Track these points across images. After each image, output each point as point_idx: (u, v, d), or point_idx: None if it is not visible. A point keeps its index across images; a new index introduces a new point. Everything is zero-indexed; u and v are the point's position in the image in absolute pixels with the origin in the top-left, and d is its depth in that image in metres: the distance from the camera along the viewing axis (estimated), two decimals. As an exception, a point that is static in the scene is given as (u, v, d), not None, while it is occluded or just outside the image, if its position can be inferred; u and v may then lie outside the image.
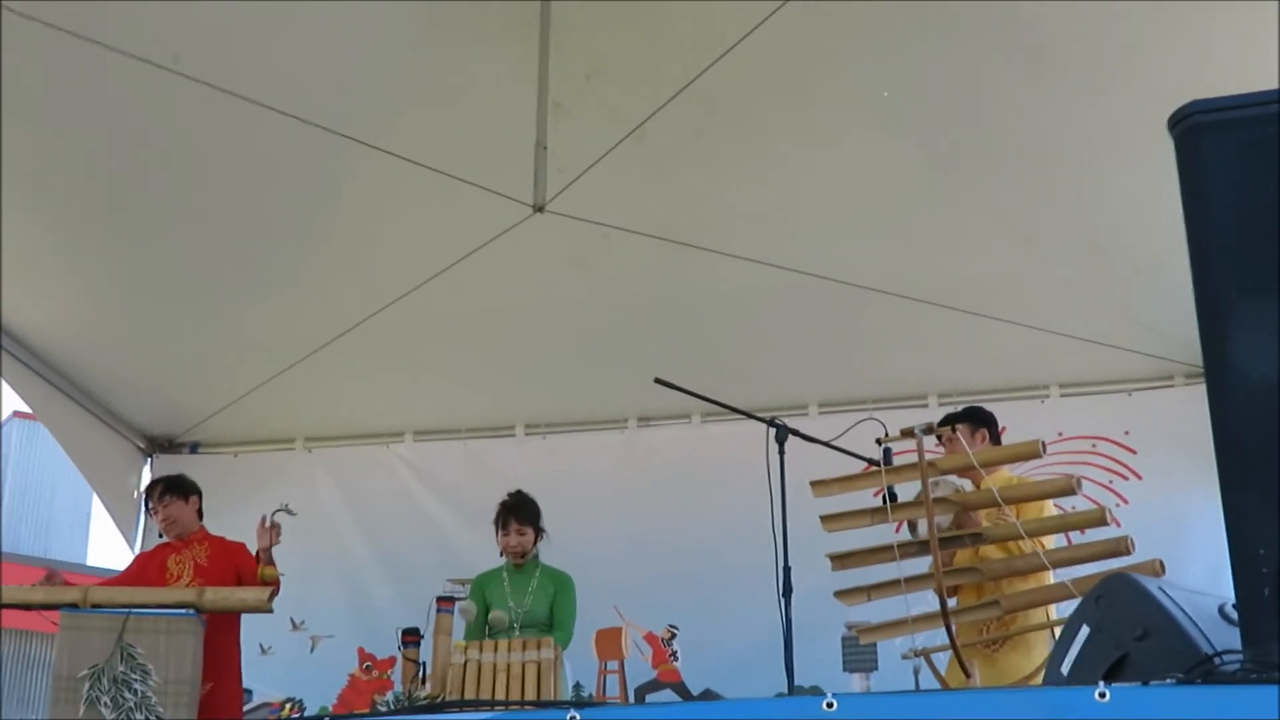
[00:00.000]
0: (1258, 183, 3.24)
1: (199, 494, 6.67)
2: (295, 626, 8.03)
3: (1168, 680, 2.94)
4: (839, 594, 5.22)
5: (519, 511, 6.50)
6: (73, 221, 6.64)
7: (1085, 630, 3.58)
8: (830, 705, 3.03)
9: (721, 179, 6.54)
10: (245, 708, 6.92)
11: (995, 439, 6.01)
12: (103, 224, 6.67)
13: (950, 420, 5.97)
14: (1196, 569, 6.33)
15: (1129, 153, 5.99)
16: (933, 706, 3.02)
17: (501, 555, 6.54)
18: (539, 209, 6.35)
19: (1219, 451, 3.13)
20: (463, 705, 4.69)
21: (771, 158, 6.41)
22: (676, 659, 6.97)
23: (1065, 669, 3.59)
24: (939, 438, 5.46)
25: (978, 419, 6.03)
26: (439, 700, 5.21)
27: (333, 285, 7.16)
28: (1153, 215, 5.99)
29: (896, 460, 5.22)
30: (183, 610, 5.54)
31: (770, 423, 5.32)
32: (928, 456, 4.97)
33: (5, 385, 7.39)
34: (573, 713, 3.19)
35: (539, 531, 6.54)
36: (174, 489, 6.57)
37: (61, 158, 6.21)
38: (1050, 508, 5.61)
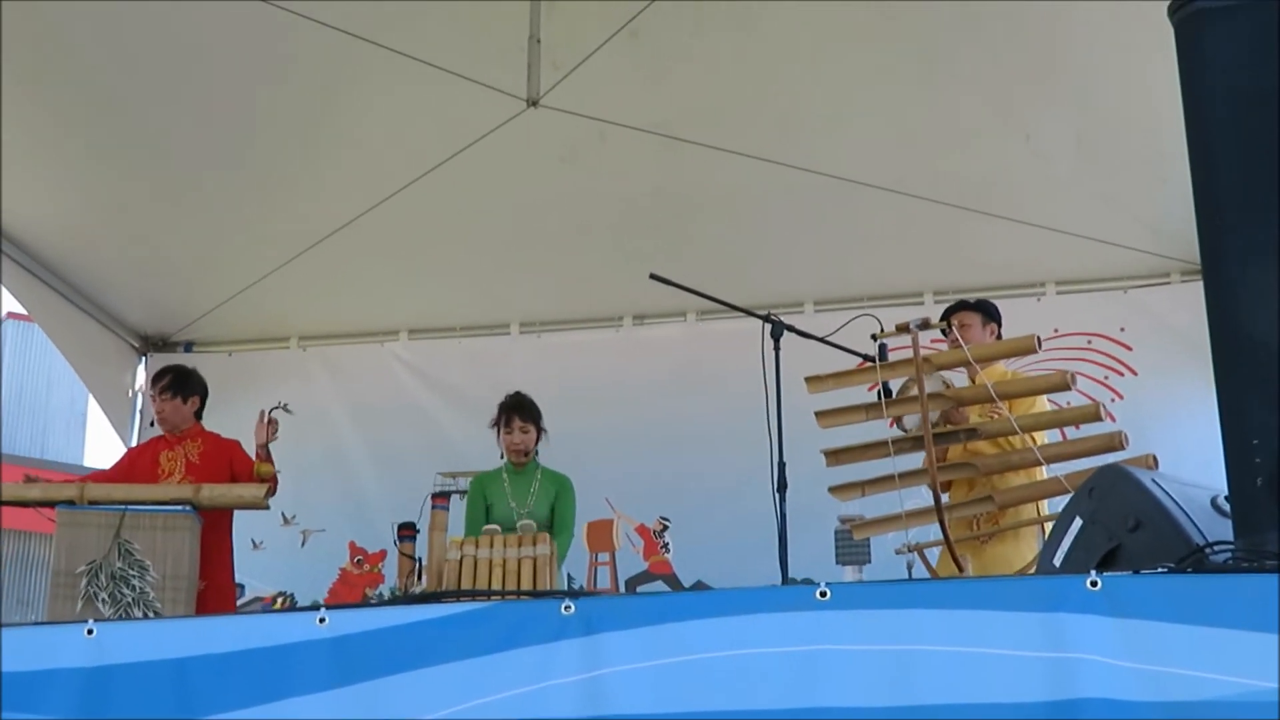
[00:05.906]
0: (1260, 72, 3.20)
1: (201, 394, 6.52)
2: (286, 521, 8.03)
3: (1159, 569, 2.96)
4: (833, 489, 5.25)
5: (522, 410, 6.43)
6: (64, 119, 6.56)
7: (1078, 523, 3.60)
8: (824, 594, 3.05)
9: (717, 75, 6.46)
10: (238, 603, 6.96)
11: (999, 337, 6.00)
12: (95, 121, 6.59)
13: (961, 307, 5.98)
14: (1189, 465, 6.24)
15: (1127, 46, 5.92)
16: (926, 595, 3.04)
17: (502, 456, 6.50)
18: (533, 103, 6.33)
19: (1215, 346, 3.13)
20: (459, 595, 4.70)
21: (766, 54, 6.33)
22: (668, 551, 7.01)
23: (1057, 561, 3.62)
24: (945, 330, 5.49)
25: (990, 312, 6.03)
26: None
27: (325, 182, 7.10)
28: (1151, 110, 5.97)
29: (892, 357, 5.23)
30: (179, 507, 5.58)
31: (766, 318, 5.29)
32: (923, 352, 4.98)
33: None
34: (568, 602, 3.20)
35: (540, 431, 6.47)
36: (176, 387, 6.42)
37: (53, 55, 6.12)
38: (1044, 403, 5.63)
